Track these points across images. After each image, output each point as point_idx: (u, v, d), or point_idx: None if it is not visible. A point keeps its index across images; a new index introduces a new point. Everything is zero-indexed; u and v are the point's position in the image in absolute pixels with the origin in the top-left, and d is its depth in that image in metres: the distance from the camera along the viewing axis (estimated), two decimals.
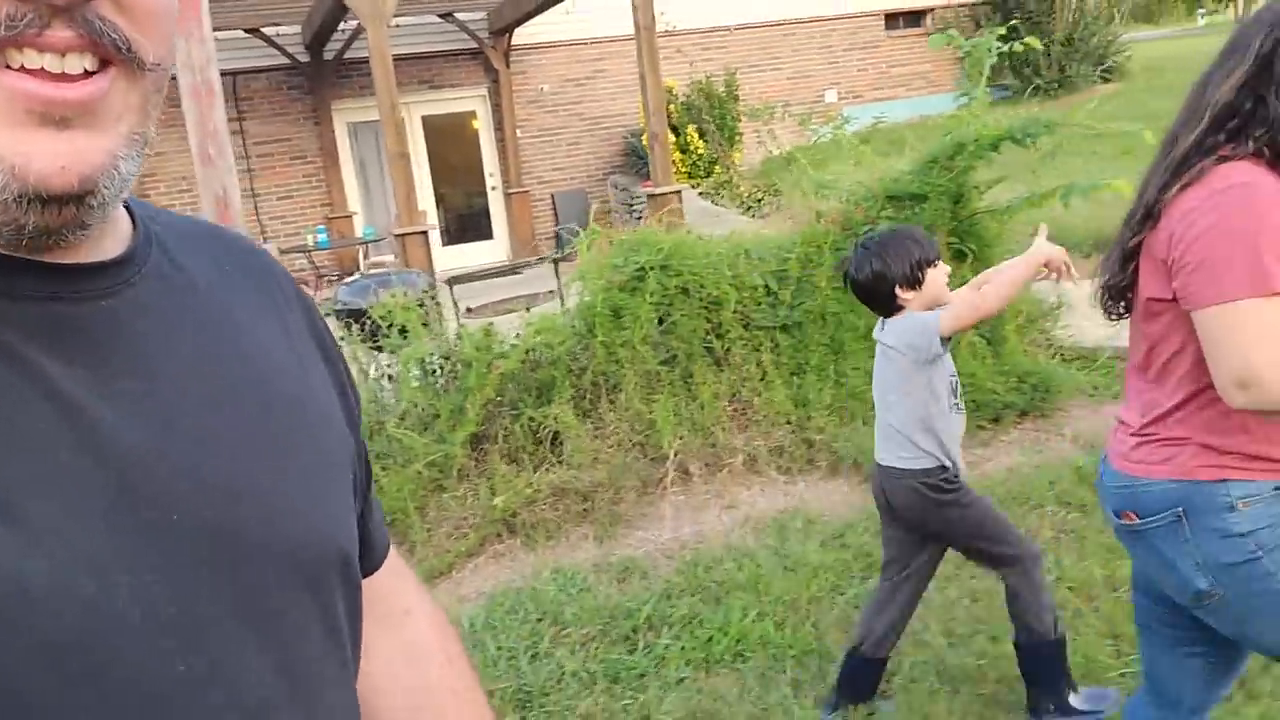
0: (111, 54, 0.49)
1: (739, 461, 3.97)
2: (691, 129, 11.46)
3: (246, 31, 10.60)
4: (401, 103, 11.86)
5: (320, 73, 11.21)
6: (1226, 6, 39.72)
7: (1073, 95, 13.41)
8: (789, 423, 4.08)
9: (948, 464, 2.32)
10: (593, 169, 12.77)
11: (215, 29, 9.55)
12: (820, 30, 13.63)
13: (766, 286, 4.23)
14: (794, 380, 4.19)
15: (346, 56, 11.20)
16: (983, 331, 4.35)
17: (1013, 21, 13.31)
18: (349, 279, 7.74)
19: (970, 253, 4.31)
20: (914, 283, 2.31)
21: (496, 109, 12.15)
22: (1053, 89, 13.41)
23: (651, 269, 4.02)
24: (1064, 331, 4.80)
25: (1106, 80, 14.04)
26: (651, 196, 8.46)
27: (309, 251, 10.64)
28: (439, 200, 12.31)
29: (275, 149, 11.29)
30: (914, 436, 2.32)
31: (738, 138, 11.82)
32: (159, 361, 0.55)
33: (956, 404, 2.35)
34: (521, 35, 11.83)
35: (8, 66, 0.46)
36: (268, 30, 10.71)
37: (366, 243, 10.92)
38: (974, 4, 13.86)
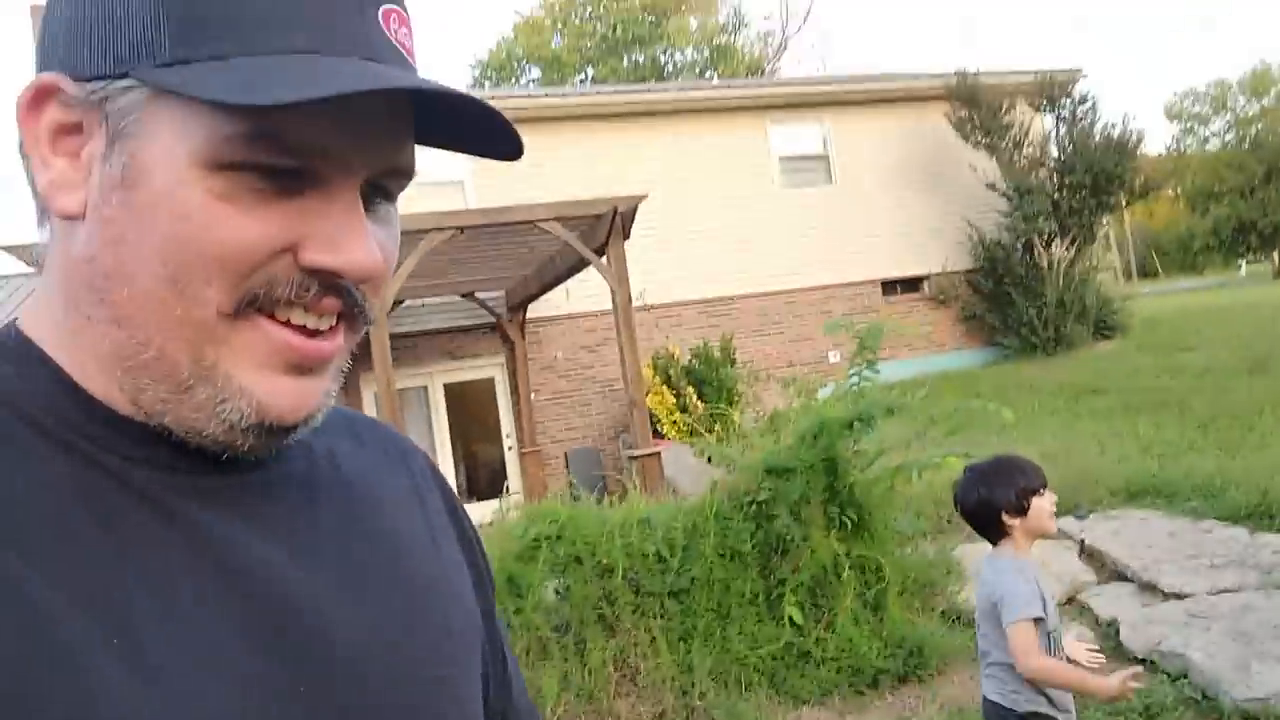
0: (351, 315, 0.57)
1: None
2: (691, 390, 12.11)
3: None
4: (425, 372, 12.89)
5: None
6: (1267, 257, 40.77)
7: (1072, 351, 13.93)
8: (673, 689, 4.30)
9: (1056, 716, 2.37)
10: (604, 428, 13.42)
11: None
12: (820, 296, 14.51)
13: (658, 553, 4.58)
14: (680, 645, 4.45)
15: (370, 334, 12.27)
16: (866, 598, 4.60)
17: (1004, 286, 14.16)
18: None
19: (849, 520, 4.63)
20: (1019, 510, 2.40)
21: (513, 375, 13.02)
22: (1049, 347, 13.92)
23: (546, 539, 4.42)
24: (960, 595, 4.99)
25: (1106, 337, 14.53)
26: (632, 458, 8.95)
27: None
28: (459, 459, 12.97)
29: None
30: (1012, 681, 2.39)
31: (736, 398, 12.42)
32: (303, 533, 0.60)
33: (1058, 658, 2.40)
34: (537, 309, 12.87)
35: (273, 317, 0.53)
36: None
37: None
38: (967, 270, 14.69)
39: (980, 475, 2.47)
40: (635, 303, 12.98)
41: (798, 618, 4.48)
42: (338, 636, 0.57)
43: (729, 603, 4.53)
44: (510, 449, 13.19)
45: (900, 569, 4.77)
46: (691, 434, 12.31)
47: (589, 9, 29.64)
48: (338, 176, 0.53)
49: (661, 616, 4.48)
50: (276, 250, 0.52)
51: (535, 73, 29.19)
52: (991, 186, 13.98)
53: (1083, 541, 5.55)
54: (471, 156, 0.64)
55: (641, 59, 29.27)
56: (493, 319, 12.79)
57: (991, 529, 2.46)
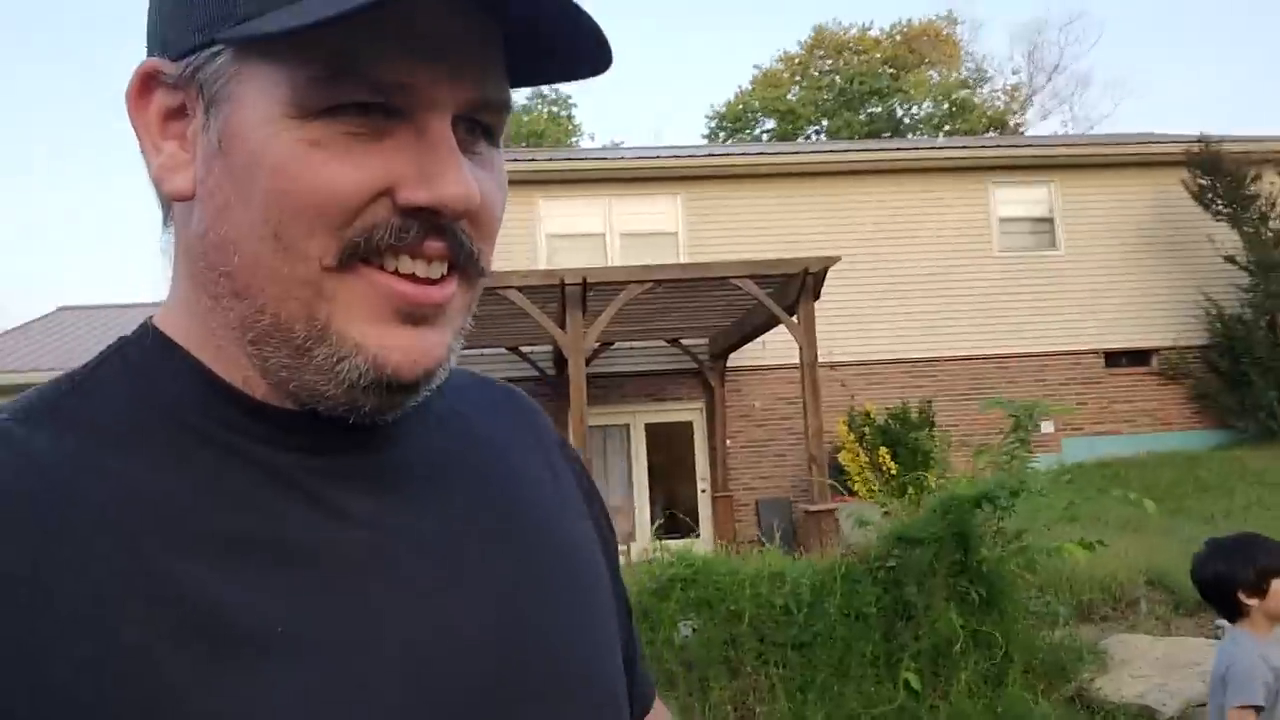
0: (461, 262, 0.56)
1: None
2: (884, 451, 12.11)
3: (508, 349, 12.84)
4: (628, 411, 13.59)
5: (562, 385, 13.16)
6: None
7: None
8: None
9: None
10: (796, 480, 13.59)
11: (483, 346, 11.67)
12: (1036, 365, 14.05)
13: (785, 606, 4.86)
14: (798, 695, 4.70)
15: (585, 371, 13.13)
16: (986, 673, 4.67)
17: (1241, 365, 13.24)
18: None
19: (978, 595, 4.73)
20: (1258, 590, 2.30)
21: (710, 420, 13.48)
22: None
23: (678, 581, 4.83)
24: (1095, 683, 4.93)
25: None
26: (807, 513, 9.17)
27: None
28: (654, 497, 13.57)
29: None
30: None
31: (932, 462, 12.28)
32: (442, 505, 0.60)
33: None
34: (739, 358, 13.30)
35: (382, 268, 0.53)
36: (524, 349, 12.90)
37: None
38: (1201, 346, 13.80)
39: (1219, 550, 2.39)
40: (823, 360, 13.24)
41: (915, 683, 4.62)
42: (484, 605, 0.58)
43: (849, 661, 4.74)
44: (704, 491, 13.63)
45: (1027, 649, 4.80)
46: (882, 494, 12.30)
47: (829, 62, 30.00)
48: (425, 111, 0.52)
49: (783, 666, 4.76)
50: (373, 193, 0.51)
51: (770, 124, 29.85)
52: (1230, 259, 13.10)
53: None
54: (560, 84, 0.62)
55: (878, 111, 29.26)
56: (695, 365, 13.34)
57: (1227, 606, 2.38)
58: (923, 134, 27.73)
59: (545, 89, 30.88)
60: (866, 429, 12.36)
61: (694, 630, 4.82)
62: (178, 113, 0.55)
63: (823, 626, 4.78)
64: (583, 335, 8.85)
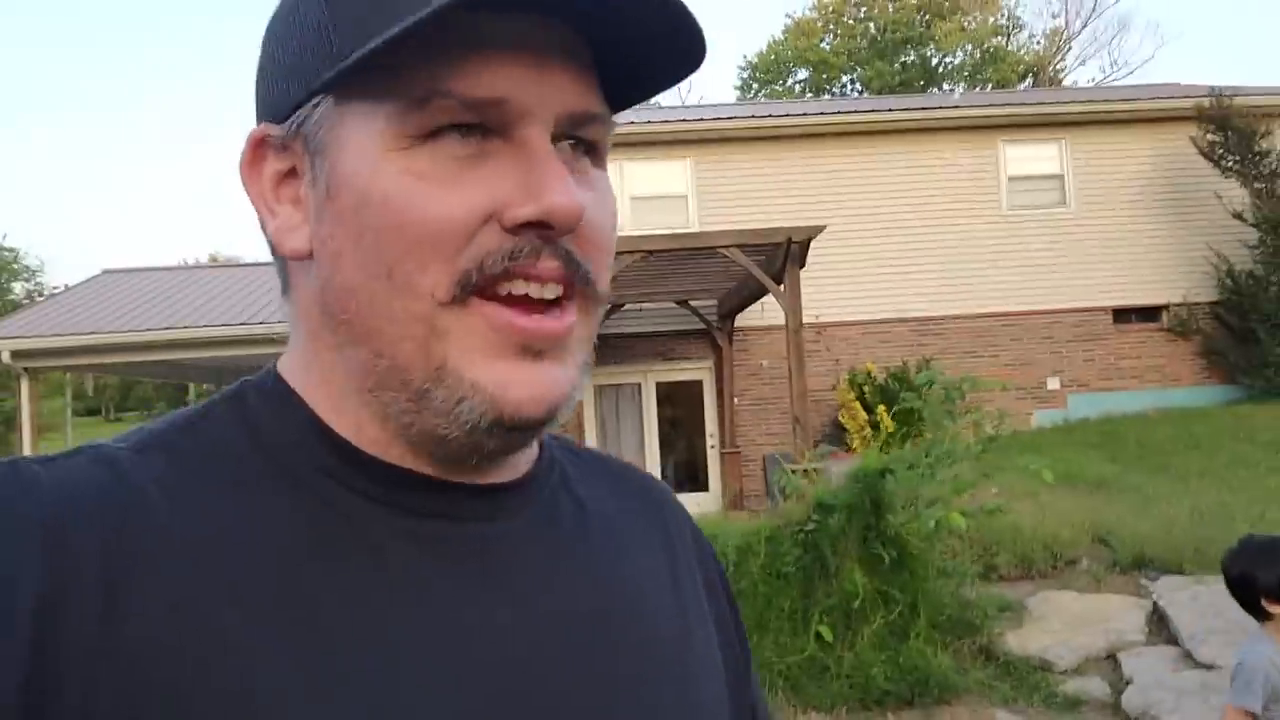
0: (577, 285, 0.54)
1: None
2: (882, 409, 12.45)
3: None
4: (639, 370, 14.05)
5: None
6: None
7: None
8: None
9: None
10: (803, 435, 14.00)
11: None
12: (1044, 321, 14.21)
13: None
14: None
15: (599, 332, 13.61)
16: (892, 627, 5.11)
17: (1250, 322, 13.28)
18: None
19: (888, 557, 5.16)
20: None
21: (719, 379, 13.92)
22: None
23: None
24: (1005, 638, 5.35)
25: None
26: (791, 471, 9.58)
27: None
28: (664, 453, 14.09)
29: None
30: None
31: (923, 420, 12.60)
32: (532, 593, 0.57)
33: None
34: (745, 318, 13.67)
35: (495, 298, 0.52)
36: None
37: None
38: (1210, 303, 13.83)
39: (1249, 550, 2.37)
40: (826, 319, 13.57)
41: (826, 635, 5.09)
42: (562, 706, 0.54)
43: (769, 615, 5.21)
44: (712, 448, 14.12)
45: (934, 606, 5.23)
46: (882, 451, 12.66)
47: (862, 9, 29.68)
48: (522, 126, 0.52)
49: None
50: (481, 218, 0.51)
51: (802, 75, 29.71)
52: (1239, 216, 13.09)
53: (1155, 602, 5.68)
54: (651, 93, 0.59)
55: (912, 59, 28.95)
56: (704, 325, 13.74)
57: (1253, 607, 2.37)
58: (956, 83, 27.41)
59: None
60: (866, 388, 12.70)
61: None
62: (289, 175, 0.56)
63: (746, 584, 5.24)
64: None
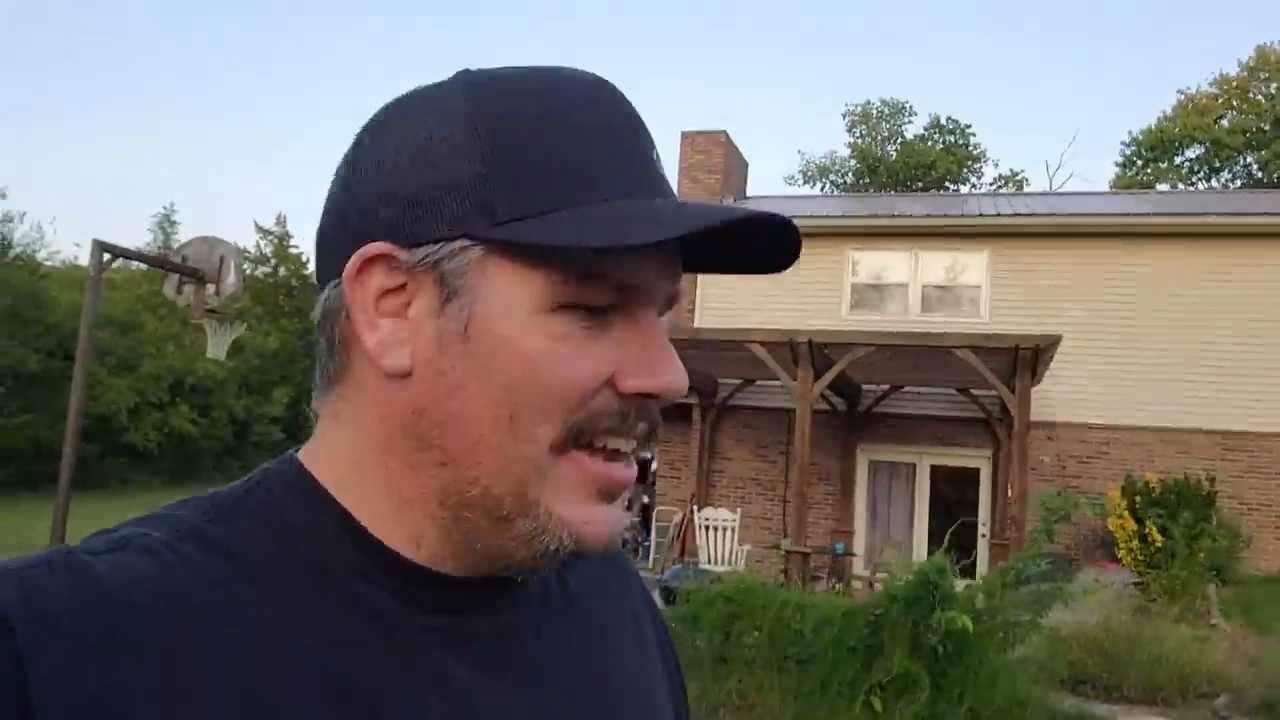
0: (649, 437, 0.60)
1: None
2: (1151, 522, 12.06)
3: None
4: (915, 451, 14.64)
5: (853, 421, 14.61)
6: None
7: None
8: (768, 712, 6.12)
9: None
10: (1081, 541, 13.76)
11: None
12: None
13: (799, 630, 6.37)
14: (790, 697, 6.20)
15: (875, 410, 14.45)
16: (935, 706, 5.80)
17: None
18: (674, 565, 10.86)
19: (943, 648, 5.87)
20: None
21: (996, 470, 14.11)
22: None
23: (716, 597, 6.56)
24: None
25: None
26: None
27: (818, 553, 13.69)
28: (932, 533, 14.56)
29: (814, 472, 14.85)
30: None
31: (1204, 536, 11.98)
32: (540, 680, 0.63)
33: None
34: (1041, 413, 13.77)
35: (589, 448, 0.58)
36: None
37: (837, 555, 13.70)
38: None
39: None
40: (1120, 422, 13.25)
41: (876, 706, 5.94)
42: None
43: (833, 680, 6.15)
44: (983, 536, 14.29)
45: (983, 699, 5.85)
46: (1149, 565, 12.21)
47: (1273, 85, 26.99)
48: (642, 307, 0.58)
49: (783, 672, 6.30)
50: (602, 382, 0.56)
51: (1193, 153, 27.60)
52: None
53: None
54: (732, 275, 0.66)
55: None
56: (984, 415, 14.03)
57: None
58: None
59: (942, 117, 31.24)
60: (1139, 498, 12.33)
61: (727, 634, 6.52)
62: (395, 291, 0.57)
63: (818, 649, 6.22)
64: (810, 387, 10.46)
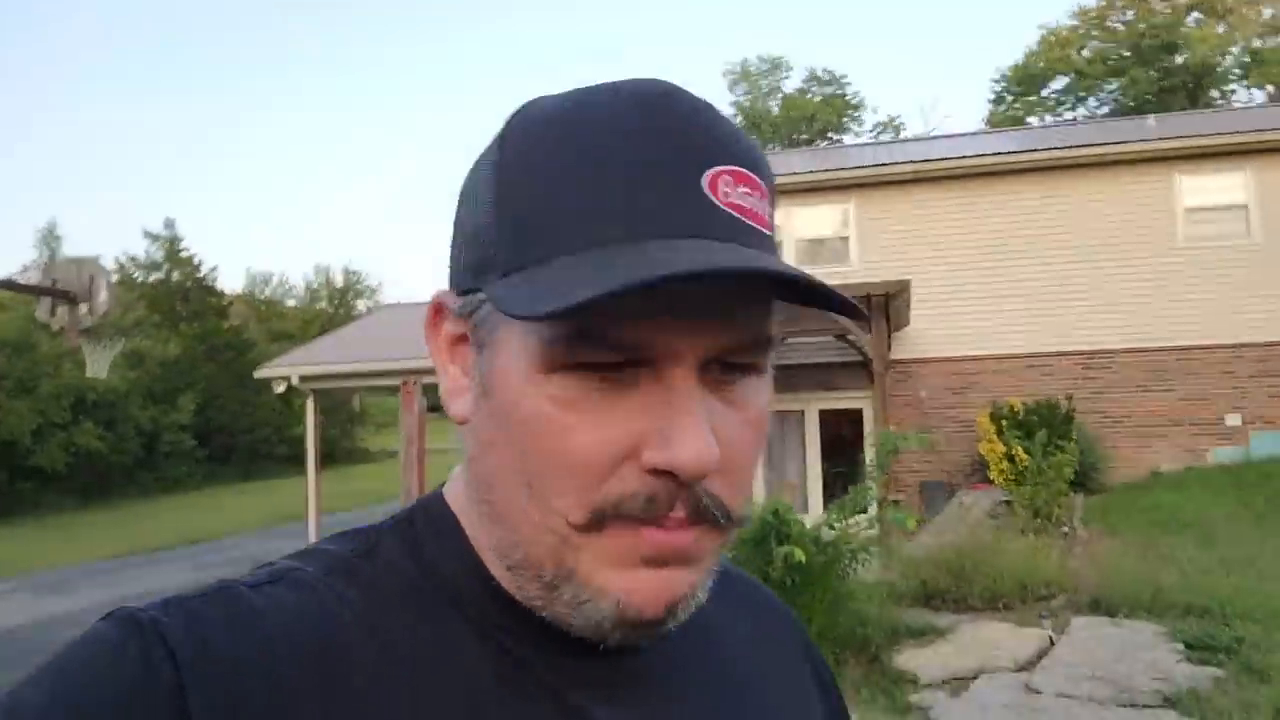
0: (705, 524, 0.53)
1: None
2: (1016, 443, 12.93)
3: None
4: (802, 398, 15.32)
5: None
6: None
7: None
8: None
9: None
10: (959, 466, 14.64)
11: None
12: (1224, 356, 13.82)
13: None
14: None
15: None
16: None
17: None
18: None
19: (790, 580, 6.44)
20: None
21: (878, 409, 14.89)
22: None
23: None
24: (909, 656, 6.41)
25: None
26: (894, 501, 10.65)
27: None
28: (827, 477, 15.31)
29: None
30: None
31: (1057, 451, 12.88)
32: (681, 715, 0.61)
33: None
34: (905, 351, 14.55)
35: (625, 516, 0.52)
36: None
37: None
38: None
39: None
40: (980, 353, 14.09)
41: None
42: None
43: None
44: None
45: (828, 624, 6.45)
46: (1017, 483, 13.10)
47: (1129, 12, 28.21)
48: (668, 365, 0.51)
49: None
50: (619, 458, 0.51)
51: (1059, 84, 28.77)
52: None
53: (1050, 636, 6.50)
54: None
55: (1185, 58, 27.18)
56: (862, 358, 14.76)
57: None
58: (1224, 89, 25.51)
59: (819, 69, 31.88)
60: (1005, 422, 13.18)
61: None
62: (461, 339, 0.58)
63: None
64: None
